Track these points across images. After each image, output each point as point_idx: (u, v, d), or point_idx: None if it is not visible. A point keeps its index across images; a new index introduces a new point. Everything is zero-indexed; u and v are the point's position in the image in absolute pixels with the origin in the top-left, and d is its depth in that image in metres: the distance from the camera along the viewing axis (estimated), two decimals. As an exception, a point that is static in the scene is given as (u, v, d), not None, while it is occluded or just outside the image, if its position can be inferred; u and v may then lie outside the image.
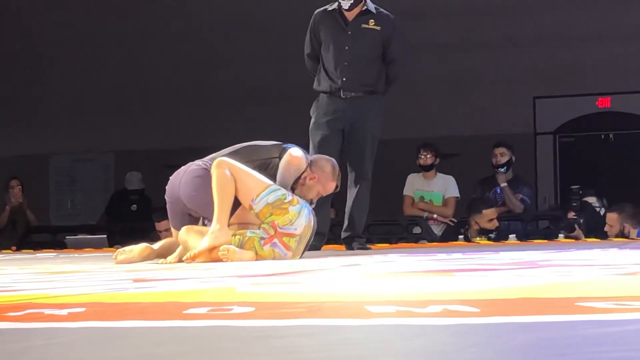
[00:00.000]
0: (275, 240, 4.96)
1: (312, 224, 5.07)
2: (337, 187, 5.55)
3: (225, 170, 5.00)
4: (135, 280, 3.34)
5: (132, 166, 12.21)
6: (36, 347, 1.69)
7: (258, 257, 4.93)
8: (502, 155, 9.01)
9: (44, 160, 13.28)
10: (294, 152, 5.31)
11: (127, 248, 5.24)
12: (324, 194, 5.54)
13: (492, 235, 8.10)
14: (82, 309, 2.18)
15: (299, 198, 5.08)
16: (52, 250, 8.53)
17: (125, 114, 12.87)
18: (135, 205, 10.88)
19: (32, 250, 8.50)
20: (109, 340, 1.77)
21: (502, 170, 8.98)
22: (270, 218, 4.95)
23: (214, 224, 4.92)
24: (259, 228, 4.99)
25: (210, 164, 5.14)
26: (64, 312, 2.12)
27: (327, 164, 5.48)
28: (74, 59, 12.94)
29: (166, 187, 5.40)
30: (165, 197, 5.41)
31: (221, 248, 4.83)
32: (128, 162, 12.57)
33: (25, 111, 13.20)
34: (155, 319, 2.02)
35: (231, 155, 5.27)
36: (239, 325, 1.86)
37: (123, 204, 11.05)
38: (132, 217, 10.72)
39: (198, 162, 5.32)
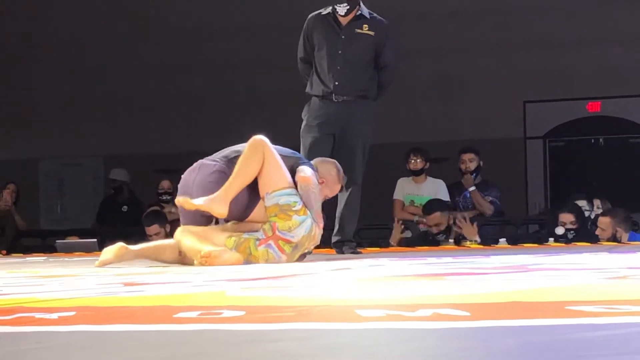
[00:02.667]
0: (271, 242, 4.98)
1: (313, 235, 5.09)
2: (342, 188, 5.61)
3: (259, 150, 5.00)
4: (126, 284, 3.33)
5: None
6: (26, 351, 1.68)
7: (252, 257, 4.94)
8: (471, 161, 9.05)
9: (33, 164, 13.25)
10: (305, 173, 5.23)
11: (105, 249, 5.21)
12: (331, 196, 5.59)
13: (440, 238, 8.15)
14: (72, 313, 2.18)
15: (306, 209, 5.09)
16: (42, 254, 8.51)
17: (115, 119, 12.86)
18: (126, 207, 10.82)
19: (21, 255, 8.48)
20: (99, 344, 1.76)
21: (474, 176, 9.02)
22: (273, 219, 4.98)
23: (219, 191, 4.94)
24: (259, 230, 5.00)
25: (222, 163, 5.15)
26: (54, 315, 2.12)
27: (332, 166, 5.55)
28: (63, 63, 12.93)
29: (178, 186, 5.37)
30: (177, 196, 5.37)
31: (201, 254, 4.81)
32: (117, 167, 12.54)
33: (14, 116, 13.18)
34: (146, 322, 2.01)
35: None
36: (229, 329, 1.85)
37: (114, 207, 10.99)
38: (123, 219, 10.66)
39: (209, 160, 5.27)
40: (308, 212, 5.08)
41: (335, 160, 5.68)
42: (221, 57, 12.39)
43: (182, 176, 5.35)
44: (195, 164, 5.33)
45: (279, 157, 5.11)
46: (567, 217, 8.13)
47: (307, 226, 5.03)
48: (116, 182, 11.07)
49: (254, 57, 12.28)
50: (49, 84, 13.06)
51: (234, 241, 4.95)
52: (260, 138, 5.09)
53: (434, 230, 8.22)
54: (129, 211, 10.75)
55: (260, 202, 5.07)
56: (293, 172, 5.22)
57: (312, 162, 5.55)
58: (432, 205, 8.35)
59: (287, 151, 5.44)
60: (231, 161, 5.22)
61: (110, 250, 5.14)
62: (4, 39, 13.00)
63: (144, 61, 12.68)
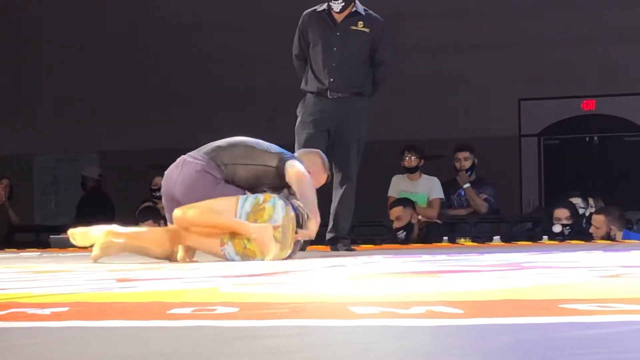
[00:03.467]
0: None
1: (290, 214, 5.06)
2: (328, 177, 5.62)
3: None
4: (119, 280, 3.33)
5: (115, 166, 12.19)
6: (19, 346, 1.68)
7: (247, 251, 4.93)
8: (466, 160, 9.07)
9: (28, 160, 13.23)
10: (297, 167, 5.20)
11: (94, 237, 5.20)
12: (318, 187, 5.59)
13: (400, 235, 8.24)
14: (65, 309, 2.17)
15: (269, 194, 5.09)
16: (36, 249, 8.50)
17: (109, 114, 12.84)
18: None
19: (15, 250, 8.47)
20: (92, 339, 1.76)
21: (469, 174, 9.04)
22: (257, 223, 4.96)
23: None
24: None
25: (204, 160, 5.15)
26: (47, 311, 2.12)
27: (316, 156, 5.57)
28: (58, 59, 12.91)
29: (161, 182, 5.37)
30: (161, 193, 5.37)
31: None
32: (112, 162, 12.54)
33: (9, 111, 13.15)
34: (139, 319, 2.01)
35: (226, 151, 5.24)
36: (222, 326, 1.85)
37: (92, 204, 10.98)
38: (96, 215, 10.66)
39: (191, 157, 5.24)
40: (271, 194, 5.07)
41: (319, 150, 5.69)
42: (216, 54, 12.38)
43: (166, 172, 5.35)
44: (178, 160, 5.32)
45: (206, 199, 5.06)
46: (562, 213, 8.15)
47: (280, 206, 5.01)
48: (84, 178, 11.17)
49: (249, 53, 12.26)
50: (44, 79, 13.04)
51: (229, 235, 4.97)
52: (180, 217, 5.01)
53: (395, 225, 8.31)
54: (93, 205, 10.75)
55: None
56: (280, 169, 5.21)
57: (295, 154, 5.55)
58: (397, 200, 8.51)
59: (271, 146, 5.41)
60: (212, 158, 5.22)
61: (97, 245, 5.12)
62: (0, 35, 12.98)
63: (140, 57, 12.66)
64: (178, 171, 5.24)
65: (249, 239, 4.95)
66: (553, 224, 8.09)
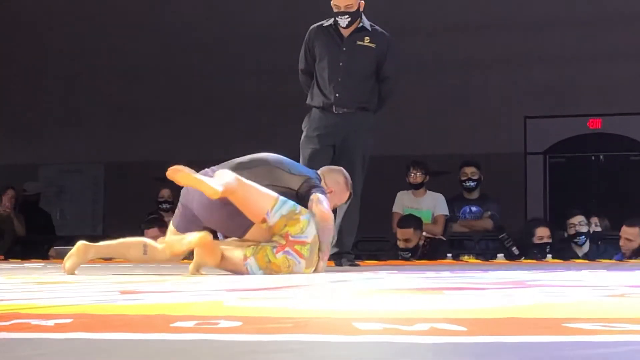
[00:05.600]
0: (288, 248, 4.91)
1: (317, 235, 5.06)
2: (350, 195, 5.58)
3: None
4: (123, 292, 3.33)
5: (121, 178, 12.21)
6: (22, 357, 1.68)
7: (272, 265, 4.88)
8: (473, 174, 9.07)
9: (33, 170, 13.25)
10: (322, 207, 5.11)
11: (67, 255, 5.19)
12: (339, 204, 5.56)
13: (404, 254, 8.17)
14: (69, 320, 2.17)
15: (304, 208, 5.07)
16: (40, 260, 8.50)
17: (115, 126, 12.87)
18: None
19: (19, 260, 8.47)
20: (96, 351, 1.76)
21: (472, 185, 9.02)
22: (285, 229, 4.93)
23: (226, 175, 4.92)
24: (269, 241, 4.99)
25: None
26: (51, 322, 2.11)
27: (340, 175, 5.51)
28: (64, 70, 12.94)
29: (181, 191, 5.31)
30: (180, 201, 5.32)
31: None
32: (117, 174, 12.56)
33: (15, 121, 13.19)
34: (142, 331, 2.01)
35: (248, 169, 5.17)
36: (225, 340, 1.85)
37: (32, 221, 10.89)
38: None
39: (212, 172, 5.14)
40: (306, 210, 5.05)
41: (342, 168, 5.63)
42: (224, 66, 12.40)
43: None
44: (200, 172, 5.31)
45: (252, 182, 5.04)
46: (544, 232, 8.10)
47: (313, 224, 5.00)
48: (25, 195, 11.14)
49: (256, 66, 12.29)
50: (50, 90, 13.08)
51: (252, 249, 4.92)
52: (231, 183, 4.91)
53: (402, 245, 8.24)
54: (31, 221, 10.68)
55: (256, 225, 5.01)
56: (302, 195, 5.17)
57: (318, 171, 5.50)
58: (409, 221, 8.39)
59: (294, 167, 5.38)
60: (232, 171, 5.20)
61: (71, 254, 5.12)
62: (3, 45, 13.01)
63: (146, 68, 12.69)
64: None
65: (273, 254, 4.91)
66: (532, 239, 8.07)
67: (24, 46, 13.02)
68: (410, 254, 8.22)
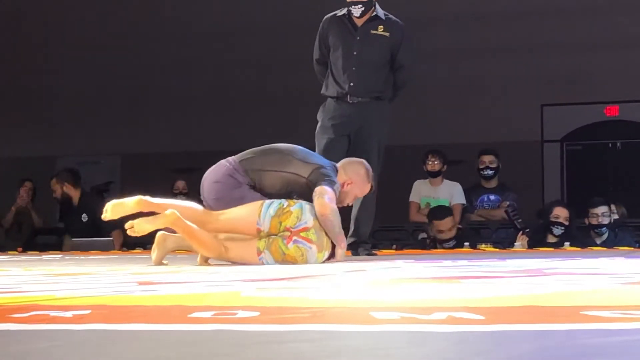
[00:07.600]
0: (295, 237, 4.94)
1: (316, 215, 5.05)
2: (372, 187, 5.55)
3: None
4: (141, 283, 3.34)
5: (138, 169, 12.24)
6: (40, 349, 1.69)
7: (287, 257, 4.91)
8: (491, 163, 9.05)
9: (50, 162, 13.28)
10: (322, 200, 5.08)
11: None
12: (360, 197, 5.55)
13: (447, 245, 8.08)
14: (87, 311, 2.18)
15: (294, 200, 5.08)
16: (58, 252, 8.54)
17: (133, 117, 12.90)
18: (85, 215, 10.60)
19: (37, 252, 8.51)
20: (114, 342, 1.77)
21: (490, 173, 9.00)
22: (282, 226, 4.95)
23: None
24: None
25: (234, 164, 5.20)
26: (69, 314, 2.12)
27: (361, 166, 5.48)
28: (81, 62, 12.96)
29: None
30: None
31: (126, 225, 4.94)
32: (134, 165, 12.59)
33: (32, 113, 13.22)
34: (160, 322, 2.01)
35: (260, 156, 5.27)
36: (243, 330, 1.85)
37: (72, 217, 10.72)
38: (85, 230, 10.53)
39: (225, 160, 5.29)
40: (295, 200, 5.06)
41: (363, 160, 5.60)
42: (238, 57, 12.40)
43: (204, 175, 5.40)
44: (214, 165, 5.36)
45: (232, 205, 5.06)
46: (561, 211, 8.05)
47: (309, 209, 5.00)
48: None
49: (270, 56, 12.29)
50: (67, 82, 13.10)
51: (264, 242, 4.95)
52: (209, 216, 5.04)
53: (445, 236, 8.14)
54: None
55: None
56: (312, 183, 5.17)
57: (338, 164, 5.50)
58: (444, 211, 8.28)
59: (308, 156, 5.40)
60: (243, 163, 5.24)
61: (154, 246, 5.15)
62: (25, 38, 13.04)
63: (162, 59, 12.70)
64: (210, 173, 5.30)
65: (285, 245, 4.93)
66: (549, 219, 8.01)
67: (41, 39, 13.05)
68: (455, 242, 8.13)
